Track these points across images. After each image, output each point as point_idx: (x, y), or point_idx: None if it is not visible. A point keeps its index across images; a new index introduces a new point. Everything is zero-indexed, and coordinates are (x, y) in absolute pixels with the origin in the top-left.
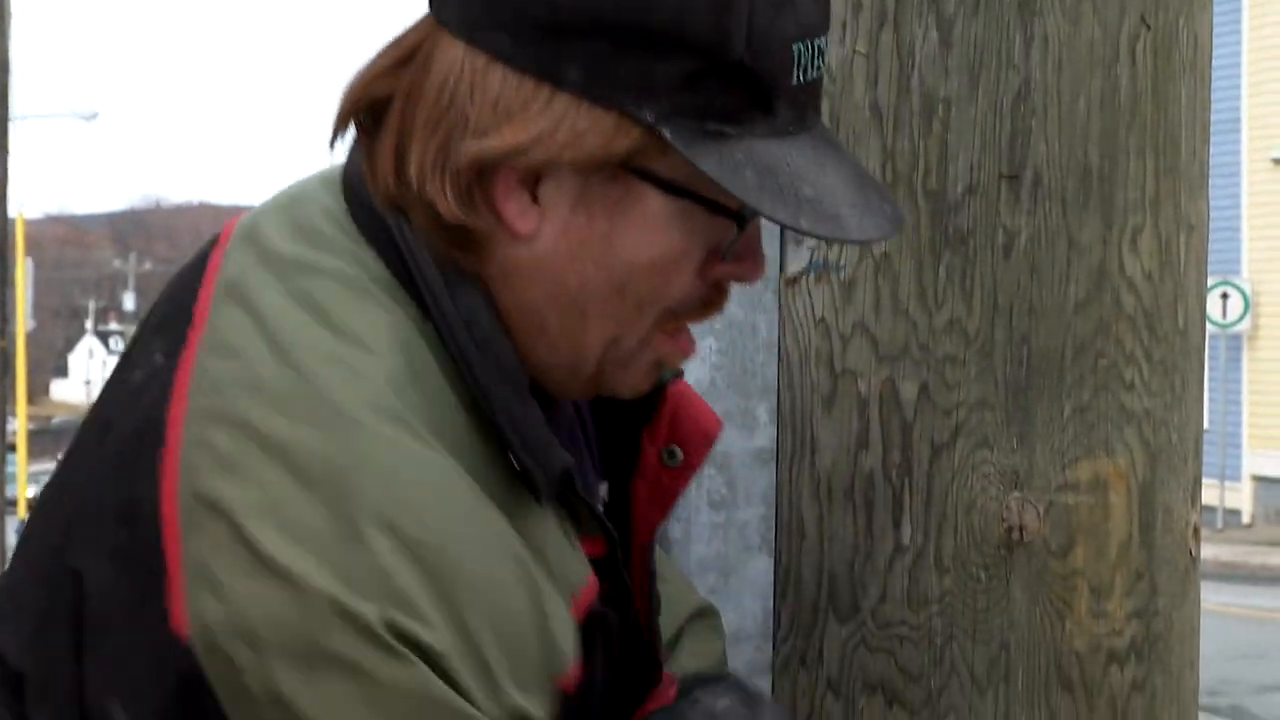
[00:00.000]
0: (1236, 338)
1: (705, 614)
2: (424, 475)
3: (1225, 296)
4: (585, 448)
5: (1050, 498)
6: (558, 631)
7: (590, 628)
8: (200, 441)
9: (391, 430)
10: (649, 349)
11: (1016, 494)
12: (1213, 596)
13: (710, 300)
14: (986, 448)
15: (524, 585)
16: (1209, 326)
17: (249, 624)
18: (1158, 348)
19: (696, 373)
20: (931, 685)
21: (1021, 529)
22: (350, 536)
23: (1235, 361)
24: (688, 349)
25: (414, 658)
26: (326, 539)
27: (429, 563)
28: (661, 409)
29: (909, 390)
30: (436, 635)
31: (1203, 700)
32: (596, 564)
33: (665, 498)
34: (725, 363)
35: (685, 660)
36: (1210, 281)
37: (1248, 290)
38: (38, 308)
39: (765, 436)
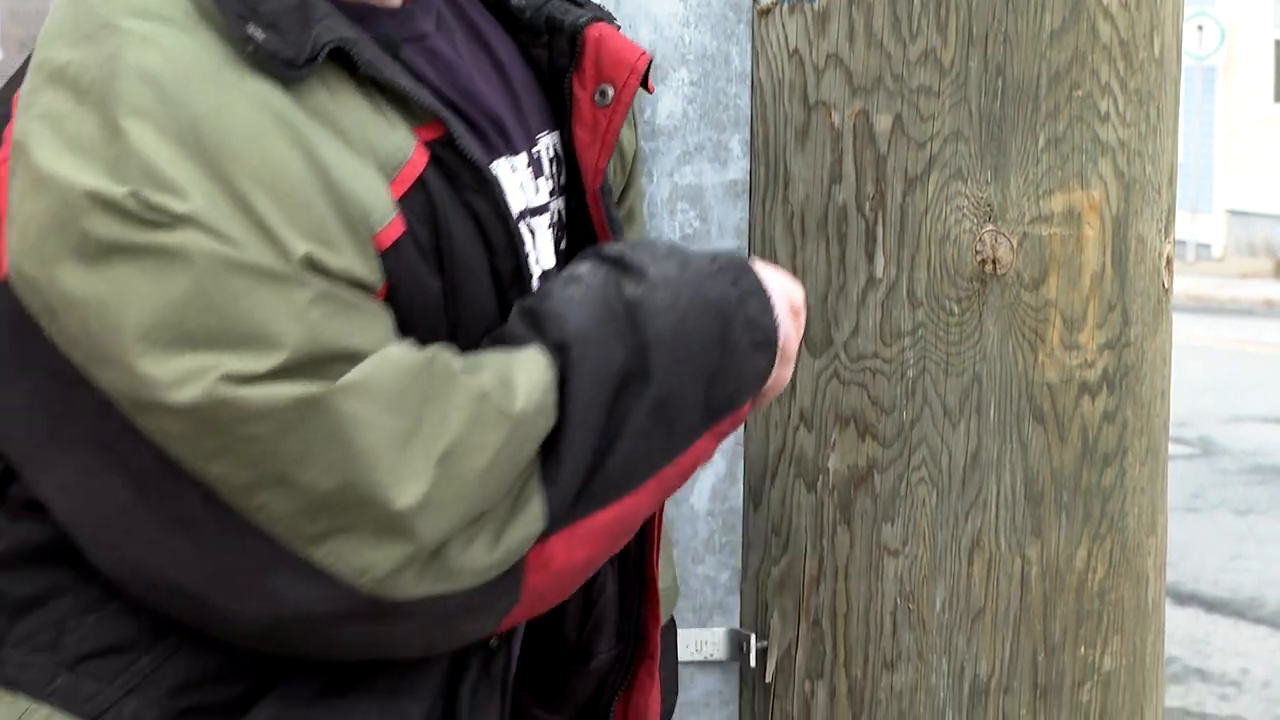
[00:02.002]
0: (1211, 70)
1: None
2: (179, 61)
3: (1200, 28)
4: (507, 93)
5: (1024, 230)
6: (357, 189)
7: (421, 199)
8: (19, 108)
9: (151, 27)
10: None
11: (990, 226)
12: (1183, 328)
13: None
14: (960, 180)
15: (295, 146)
16: (1184, 58)
17: (32, 239)
18: (1133, 78)
19: (669, 104)
20: (904, 418)
21: (995, 261)
22: (112, 133)
23: (1209, 94)
24: None
25: (177, 224)
26: (95, 142)
27: (187, 138)
28: (584, 53)
29: (883, 122)
30: (192, 203)
31: (1172, 431)
32: (441, 145)
33: (605, 136)
34: (697, 94)
35: None
36: (1186, 12)
37: (1223, 22)
38: (5, 38)
39: (738, 169)
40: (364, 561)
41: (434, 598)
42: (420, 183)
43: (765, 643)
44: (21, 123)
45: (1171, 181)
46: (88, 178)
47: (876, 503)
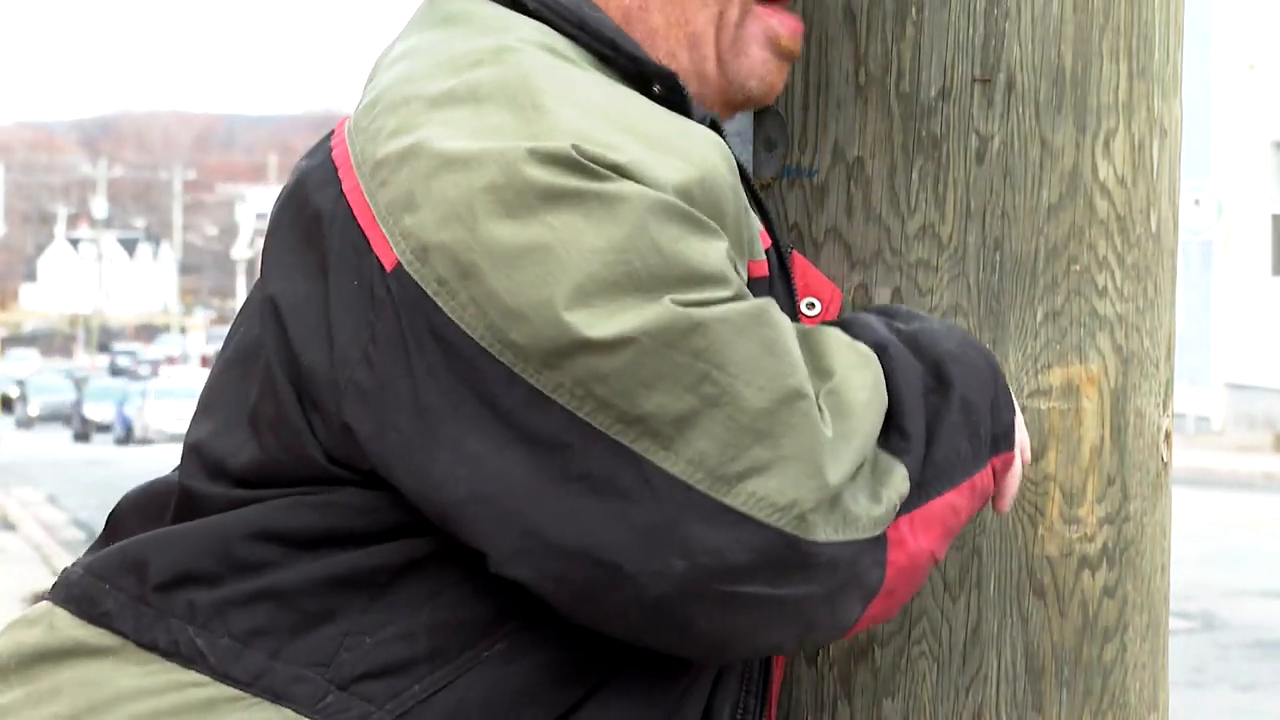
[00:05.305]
0: (1208, 244)
1: None
2: (590, 78)
3: (1197, 202)
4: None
5: (1023, 403)
6: (750, 216)
7: (768, 269)
8: (369, 139)
9: (546, 53)
10: (753, 20)
11: None
12: (1183, 502)
13: None
14: None
15: (721, 153)
16: (1182, 232)
17: (452, 207)
18: (1130, 252)
19: None
20: None
21: None
22: (533, 112)
23: (1207, 267)
24: (796, 26)
25: (615, 175)
26: (515, 123)
27: (612, 116)
28: (794, 268)
29: (882, 296)
30: (628, 155)
31: (1173, 605)
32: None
33: None
34: None
35: None
36: (1182, 187)
37: (1220, 196)
38: (8, 212)
39: None
40: (786, 495)
41: (836, 545)
42: (767, 260)
43: None
44: (394, 142)
45: (1170, 355)
46: (522, 141)
47: (877, 677)
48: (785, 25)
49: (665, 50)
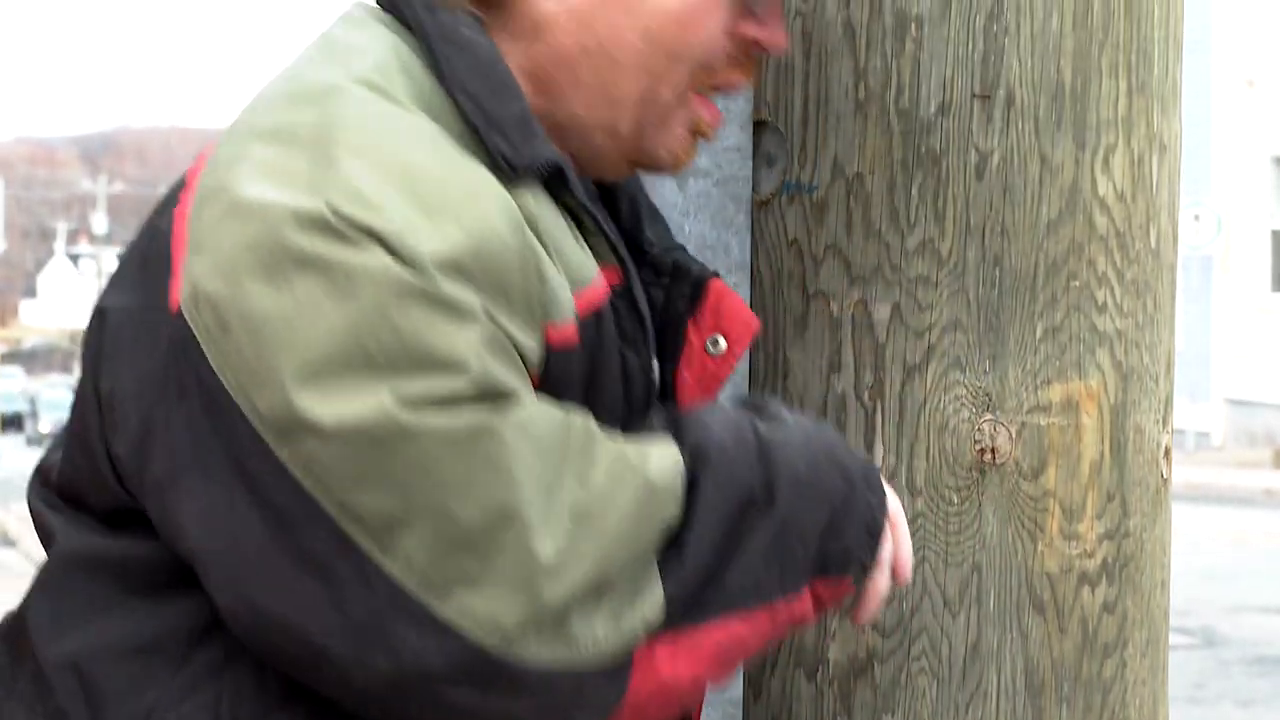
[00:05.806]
0: (1207, 259)
1: None
2: (405, 124)
3: (1197, 218)
4: (645, 325)
5: (1022, 419)
6: (549, 280)
7: (593, 330)
8: (210, 164)
9: (374, 94)
10: (685, 109)
11: (989, 416)
12: (1183, 517)
13: (739, 62)
14: (959, 369)
15: (504, 214)
16: (1181, 248)
17: (223, 259)
18: (1130, 268)
19: None
20: (903, 607)
21: (994, 451)
22: (325, 164)
23: (1206, 283)
24: (718, 114)
25: (368, 242)
26: (303, 174)
27: (396, 174)
28: (705, 300)
29: (881, 312)
30: (385, 223)
31: (1173, 621)
32: (616, 292)
33: (710, 384)
34: None
35: None
36: (1182, 202)
37: (1219, 212)
38: (8, 228)
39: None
40: (491, 613)
41: (553, 669)
42: (597, 314)
43: None
44: (218, 173)
45: (1169, 371)
46: (291, 198)
47: (877, 693)
48: (710, 114)
49: (583, 102)
